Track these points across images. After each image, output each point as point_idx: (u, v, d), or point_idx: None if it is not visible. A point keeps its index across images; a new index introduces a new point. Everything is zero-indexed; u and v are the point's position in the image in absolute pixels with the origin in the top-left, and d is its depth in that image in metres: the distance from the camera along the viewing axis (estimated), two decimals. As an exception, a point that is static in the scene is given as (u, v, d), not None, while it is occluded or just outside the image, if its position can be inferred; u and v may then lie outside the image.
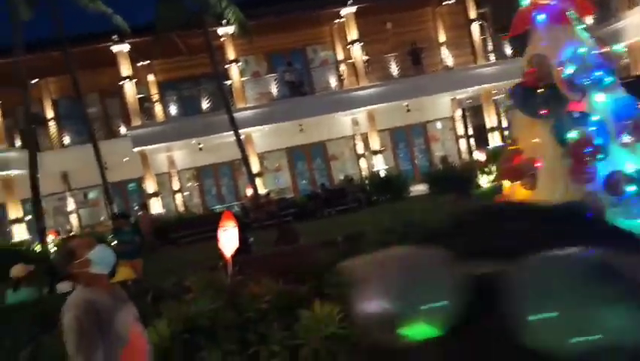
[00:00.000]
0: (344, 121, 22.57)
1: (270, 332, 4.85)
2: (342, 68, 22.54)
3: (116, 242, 9.03)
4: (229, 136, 19.99)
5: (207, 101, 21.94)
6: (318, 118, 21.05)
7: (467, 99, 23.07)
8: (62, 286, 6.00)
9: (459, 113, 23.15)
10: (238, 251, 5.32)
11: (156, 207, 20.02)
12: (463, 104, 23.24)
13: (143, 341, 2.77)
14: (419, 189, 18.36)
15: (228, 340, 4.62)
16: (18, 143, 21.36)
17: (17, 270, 6.08)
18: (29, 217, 18.86)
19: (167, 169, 22.34)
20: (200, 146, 21.65)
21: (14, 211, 19.12)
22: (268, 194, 19.50)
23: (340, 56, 22.89)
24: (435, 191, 16.52)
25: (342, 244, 5.65)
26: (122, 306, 2.72)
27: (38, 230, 17.04)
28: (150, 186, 20.40)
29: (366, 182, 19.56)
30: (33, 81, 19.53)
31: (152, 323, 4.46)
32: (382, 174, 19.50)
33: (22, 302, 5.47)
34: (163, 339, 4.01)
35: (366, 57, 21.46)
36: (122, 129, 22.38)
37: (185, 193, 22.98)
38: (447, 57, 22.55)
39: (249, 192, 19.10)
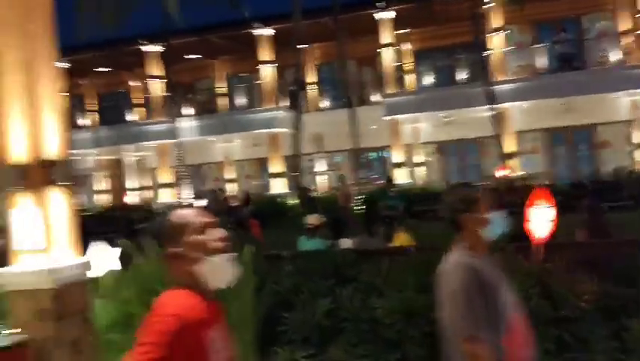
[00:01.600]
0: (621, 103, 19.37)
1: (593, 338, 3.88)
2: (626, 40, 19.21)
3: (381, 206, 8.90)
4: (482, 111, 18.81)
5: (462, 72, 20.84)
6: (588, 97, 18.40)
7: None
8: (344, 242, 5.92)
9: None
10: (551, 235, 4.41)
11: (402, 177, 19.92)
12: None
13: (524, 331, 2.14)
14: None
15: (545, 337, 3.77)
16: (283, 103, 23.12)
17: (314, 219, 6.23)
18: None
19: (410, 140, 22.05)
20: (447, 119, 20.83)
21: (275, 166, 20.98)
22: (525, 177, 17.78)
23: (623, 26, 19.59)
24: None
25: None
26: (502, 283, 2.14)
27: (294, 186, 18.38)
28: (397, 156, 20.35)
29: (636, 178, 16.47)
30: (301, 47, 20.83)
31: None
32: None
33: (315, 250, 5.48)
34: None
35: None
36: (373, 97, 22.80)
37: (425, 167, 22.48)
38: None
39: (501, 172, 17.67)
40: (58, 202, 3.54)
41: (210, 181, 25.87)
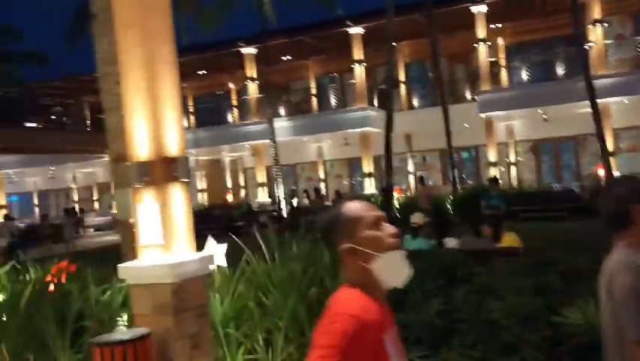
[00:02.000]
0: None
1: None
2: None
3: (483, 205, 8.53)
4: (580, 106, 17.61)
5: (560, 66, 19.62)
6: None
7: None
8: (449, 241, 5.68)
9: None
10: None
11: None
12: None
13: None
14: None
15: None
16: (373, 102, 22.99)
17: (418, 217, 6.05)
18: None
19: (504, 139, 21.12)
20: (545, 116, 19.70)
21: (367, 165, 20.86)
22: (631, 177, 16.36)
23: None
24: None
25: None
26: None
27: (387, 185, 18.11)
28: (492, 154, 19.55)
29: None
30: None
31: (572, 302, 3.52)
32: None
33: (420, 250, 5.28)
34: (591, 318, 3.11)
35: None
36: (466, 95, 22.10)
37: (519, 166, 21.43)
38: None
39: (600, 171, 16.43)
40: (179, 198, 3.60)
41: (303, 180, 26.25)
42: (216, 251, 4.85)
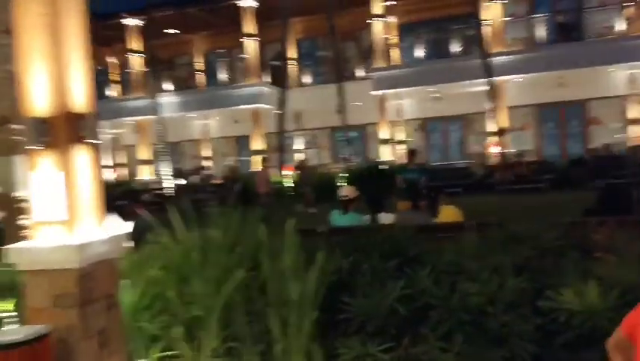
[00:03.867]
0: (617, 77, 18.98)
1: None
2: (629, 10, 18.67)
3: (399, 180, 8.39)
4: (473, 85, 18.39)
5: (455, 45, 20.24)
6: (583, 71, 17.90)
7: None
8: (385, 217, 5.39)
9: None
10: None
11: (385, 155, 19.52)
12: None
13: None
14: None
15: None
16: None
17: (348, 190, 5.67)
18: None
19: (395, 117, 21.57)
20: (437, 94, 20.36)
21: (258, 143, 20.29)
22: (520, 154, 17.49)
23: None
24: None
25: None
26: None
27: (279, 163, 17.77)
28: (383, 133, 19.86)
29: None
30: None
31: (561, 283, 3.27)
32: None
33: (350, 226, 4.95)
34: (591, 304, 2.91)
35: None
36: (358, 73, 22.23)
37: (406, 145, 22.07)
38: None
39: (494, 149, 17.41)
40: (86, 163, 2.92)
41: (188, 159, 25.06)
42: (116, 230, 4.16)
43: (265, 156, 19.00)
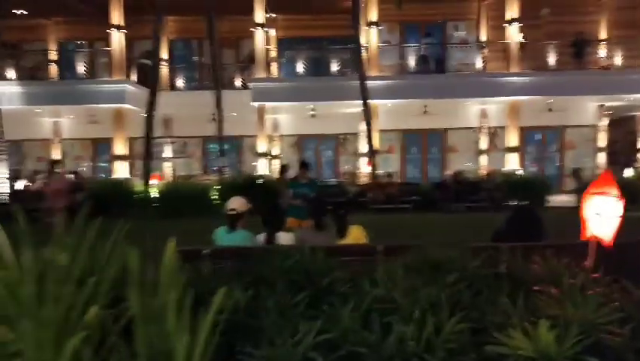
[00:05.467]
0: (472, 110, 20.53)
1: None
2: (485, 49, 20.19)
3: (289, 195, 7.57)
4: (347, 105, 18.54)
5: (335, 64, 20.19)
6: (444, 102, 19.15)
7: (622, 108, 20.41)
8: (284, 237, 4.46)
9: (604, 122, 20.57)
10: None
11: (262, 168, 18.72)
12: (615, 112, 20.64)
13: None
14: (563, 199, 16.07)
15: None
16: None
17: (238, 203, 4.59)
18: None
19: (272, 131, 21.04)
20: (313, 112, 20.25)
21: (120, 147, 18.29)
22: (390, 175, 17.76)
23: (484, 36, 20.71)
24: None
25: None
26: None
27: (145, 171, 16.13)
28: (261, 145, 19.03)
29: (491, 181, 17.37)
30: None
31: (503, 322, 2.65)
32: (520, 174, 17.36)
33: (239, 247, 3.98)
34: (546, 348, 2.29)
35: (524, 40, 19.08)
36: (236, 82, 21.31)
37: (280, 160, 21.57)
38: (610, 55, 19.88)
39: (367, 169, 17.42)
40: None
41: (32, 160, 22.06)
42: None
43: (57, 159, 17.05)
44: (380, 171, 17.46)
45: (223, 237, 4.48)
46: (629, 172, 18.46)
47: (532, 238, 4.83)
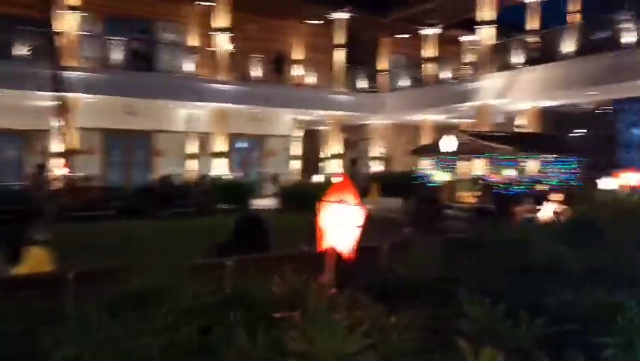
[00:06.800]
0: (181, 113, 20.10)
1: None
2: (195, 54, 19.90)
3: None
4: (39, 98, 16.00)
5: (23, 48, 16.94)
6: (154, 103, 18.35)
7: (311, 122, 22.77)
8: None
9: (298, 133, 22.70)
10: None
11: None
12: (306, 125, 22.91)
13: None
14: (265, 203, 16.92)
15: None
16: None
17: None
18: None
19: None
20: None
21: None
22: (89, 178, 15.86)
23: (195, 41, 20.34)
24: (287, 207, 15.68)
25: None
26: None
27: None
28: None
29: (199, 186, 17.30)
30: None
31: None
32: (227, 179, 17.65)
33: None
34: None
35: (232, 49, 19.44)
36: None
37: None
38: (304, 75, 21.99)
39: (62, 171, 15.24)
40: None
41: None
42: None
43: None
44: (78, 174, 15.54)
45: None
46: (318, 178, 20.45)
47: (260, 249, 4.64)
